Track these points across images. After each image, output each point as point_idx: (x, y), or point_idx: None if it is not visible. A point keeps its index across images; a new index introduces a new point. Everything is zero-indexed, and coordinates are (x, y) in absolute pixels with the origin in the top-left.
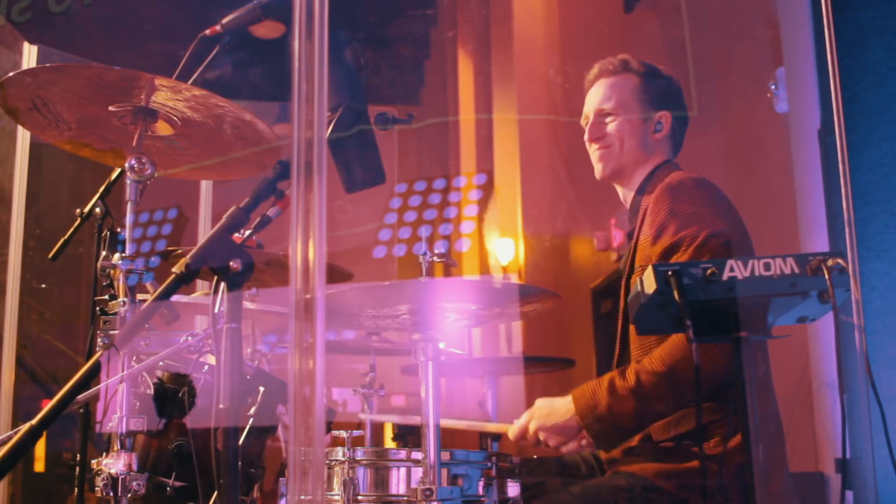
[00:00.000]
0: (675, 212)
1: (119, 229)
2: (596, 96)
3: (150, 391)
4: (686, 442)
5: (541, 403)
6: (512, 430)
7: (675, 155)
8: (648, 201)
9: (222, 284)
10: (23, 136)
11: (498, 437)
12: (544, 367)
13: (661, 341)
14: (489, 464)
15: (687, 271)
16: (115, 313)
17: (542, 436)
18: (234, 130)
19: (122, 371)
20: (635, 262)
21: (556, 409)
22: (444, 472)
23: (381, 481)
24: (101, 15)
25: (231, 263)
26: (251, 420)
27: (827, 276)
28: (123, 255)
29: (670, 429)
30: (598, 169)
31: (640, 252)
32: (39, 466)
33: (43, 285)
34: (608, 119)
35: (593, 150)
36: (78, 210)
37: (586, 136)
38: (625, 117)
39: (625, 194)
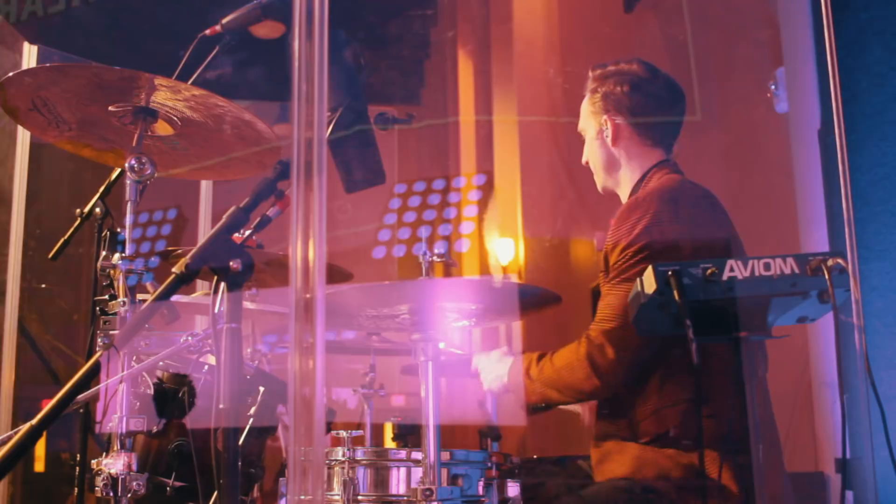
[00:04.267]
0: (623, 230)
1: (119, 229)
2: None
3: (150, 391)
4: (674, 441)
5: (486, 361)
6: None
7: (669, 151)
8: None
9: (222, 284)
10: (23, 136)
11: (498, 437)
12: None
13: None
14: (489, 464)
15: (687, 271)
16: (115, 313)
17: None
18: (234, 130)
19: (122, 371)
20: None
21: (496, 367)
22: (444, 472)
23: (381, 481)
24: (101, 15)
25: (231, 263)
26: (251, 420)
27: (827, 276)
28: (123, 255)
29: (656, 427)
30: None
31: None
32: (39, 466)
33: (43, 285)
34: (585, 141)
35: None
36: (78, 210)
37: None
38: (584, 136)
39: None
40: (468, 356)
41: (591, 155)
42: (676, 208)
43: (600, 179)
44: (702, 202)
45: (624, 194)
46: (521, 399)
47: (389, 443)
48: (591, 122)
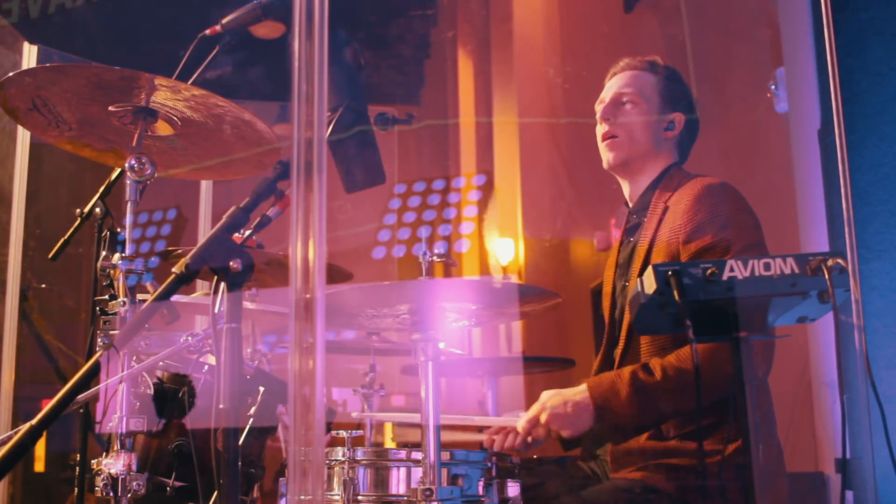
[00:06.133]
0: (718, 214)
1: (119, 229)
2: (617, 82)
3: (150, 391)
4: (687, 442)
5: (551, 393)
6: (521, 423)
7: (683, 161)
8: (666, 198)
9: (222, 284)
10: (23, 136)
11: None
12: (544, 367)
13: (674, 340)
14: (489, 464)
15: (687, 271)
16: (115, 313)
17: (554, 425)
18: (234, 130)
19: (122, 371)
20: (651, 258)
21: (570, 398)
22: (444, 472)
23: (381, 481)
24: (101, 15)
25: (231, 263)
26: (251, 420)
27: (827, 276)
28: (123, 255)
29: (670, 429)
30: (606, 158)
31: (663, 249)
32: (39, 466)
33: (43, 285)
34: (625, 105)
35: (602, 136)
36: (78, 210)
37: (599, 116)
38: (641, 107)
39: (631, 189)
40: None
41: (640, 128)
42: (743, 199)
43: (625, 154)
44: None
45: (637, 183)
46: (617, 419)
47: (389, 443)
48: (656, 101)
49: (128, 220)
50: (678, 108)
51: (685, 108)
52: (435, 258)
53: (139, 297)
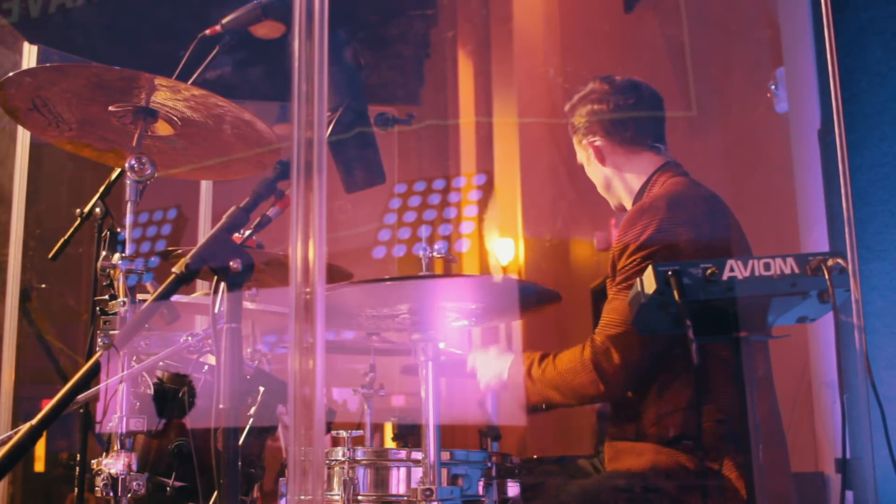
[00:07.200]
0: (638, 237)
1: (119, 229)
2: None
3: (150, 391)
4: (686, 442)
5: (484, 358)
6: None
7: (661, 151)
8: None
9: (222, 284)
10: (23, 136)
11: (498, 437)
12: None
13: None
14: (489, 464)
15: (687, 271)
16: (115, 313)
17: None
18: (234, 130)
19: (122, 371)
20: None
21: (495, 364)
22: (444, 472)
23: (381, 481)
24: (101, 15)
25: (231, 263)
26: (251, 420)
27: (827, 276)
28: (123, 255)
29: (670, 429)
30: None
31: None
32: (39, 466)
33: (43, 285)
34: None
35: None
36: (78, 210)
37: None
38: (583, 160)
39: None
40: (465, 355)
41: (594, 180)
42: (684, 213)
43: (609, 199)
44: (708, 205)
45: (629, 204)
46: (520, 398)
47: (389, 443)
48: (581, 152)
49: (128, 219)
50: (583, 138)
51: (586, 132)
52: (435, 254)
53: (139, 297)
